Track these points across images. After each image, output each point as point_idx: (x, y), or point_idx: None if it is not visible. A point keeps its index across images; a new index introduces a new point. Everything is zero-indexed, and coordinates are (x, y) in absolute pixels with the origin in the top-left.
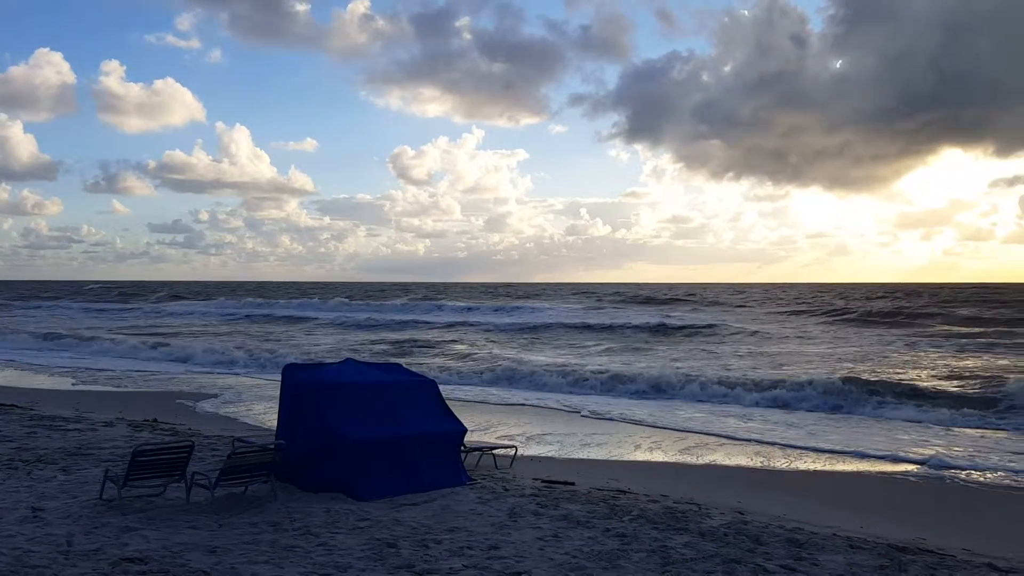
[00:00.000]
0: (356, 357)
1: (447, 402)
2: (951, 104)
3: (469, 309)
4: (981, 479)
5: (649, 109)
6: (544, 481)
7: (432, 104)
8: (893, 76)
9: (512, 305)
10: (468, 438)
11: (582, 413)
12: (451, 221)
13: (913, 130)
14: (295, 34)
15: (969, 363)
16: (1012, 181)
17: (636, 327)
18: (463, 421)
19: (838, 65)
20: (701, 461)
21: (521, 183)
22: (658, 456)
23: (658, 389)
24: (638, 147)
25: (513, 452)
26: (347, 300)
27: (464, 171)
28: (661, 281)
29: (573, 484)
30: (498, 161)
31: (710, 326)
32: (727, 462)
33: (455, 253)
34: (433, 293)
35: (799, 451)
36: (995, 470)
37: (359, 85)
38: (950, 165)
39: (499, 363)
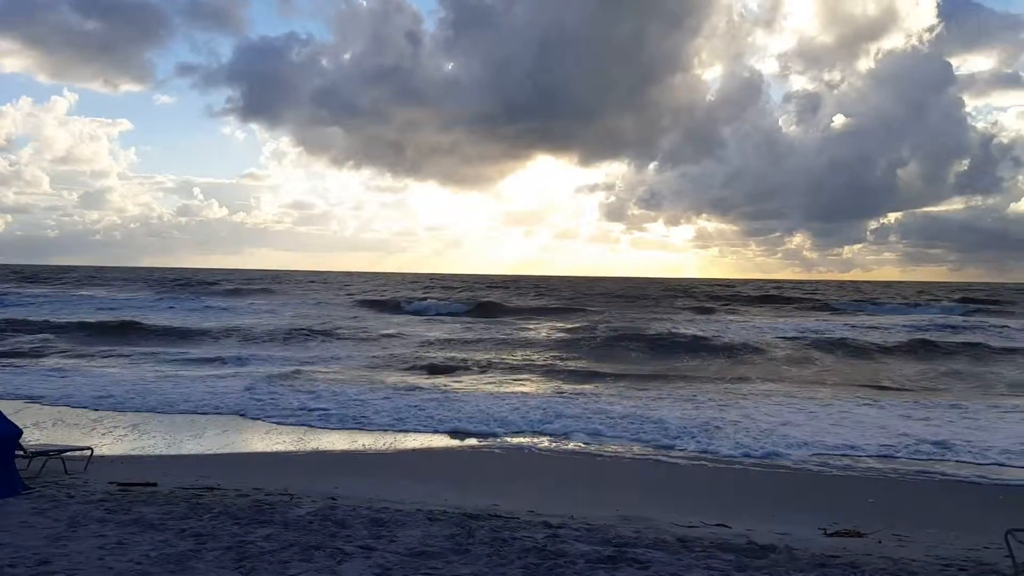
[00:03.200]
0: None
1: None
2: (544, 115)
3: None
4: (550, 447)
5: (266, 88)
6: (120, 484)
7: (10, 58)
8: (496, 84)
9: None
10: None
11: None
12: (38, 195)
13: (513, 136)
14: None
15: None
16: (592, 188)
17: None
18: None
19: (449, 67)
20: (306, 448)
21: (124, 156)
22: (258, 446)
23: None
24: (255, 127)
25: (88, 454)
26: None
27: (53, 138)
28: (284, 268)
29: (155, 485)
30: (95, 130)
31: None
32: (330, 448)
33: (44, 232)
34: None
35: (396, 433)
36: (564, 436)
37: None
38: (545, 170)
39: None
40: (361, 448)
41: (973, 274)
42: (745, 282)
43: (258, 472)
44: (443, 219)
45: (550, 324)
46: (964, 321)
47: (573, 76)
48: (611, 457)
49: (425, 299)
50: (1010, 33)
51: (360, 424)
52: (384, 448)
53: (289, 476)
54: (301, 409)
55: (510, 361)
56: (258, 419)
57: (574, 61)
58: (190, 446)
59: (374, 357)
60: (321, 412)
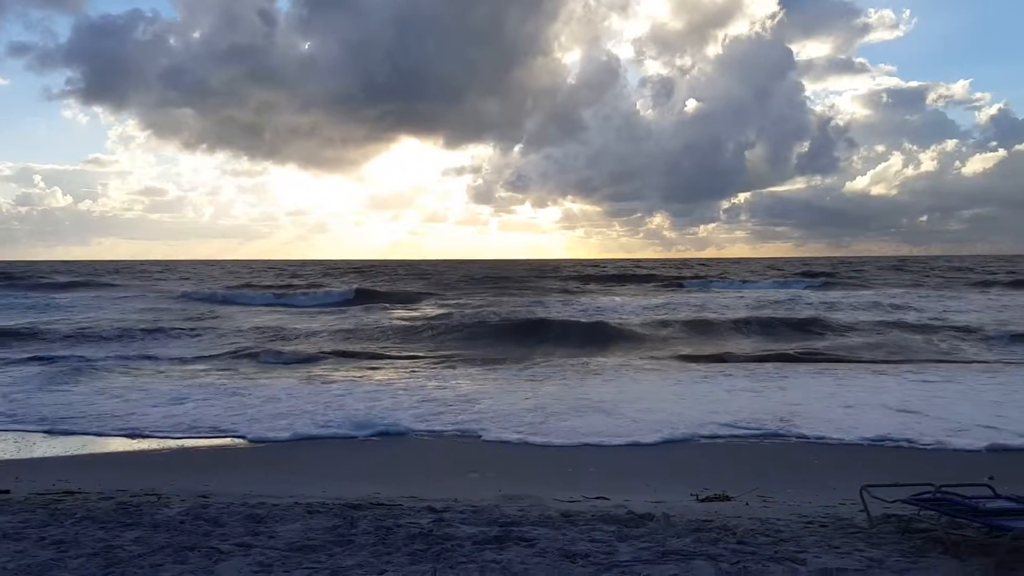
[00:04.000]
0: None
1: None
2: (406, 97)
3: None
4: (425, 432)
5: (109, 69)
6: None
7: None
8: (355, 64)
9: None
10: None
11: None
12: None
13: (375, 118)
14: None
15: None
16: (459, 171)
17: None
18: None
19: (306, 47)
20: (168, 447)
21: None
22: (119, 446)
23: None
24: (98, 110)
25: None
26: None
27: None
28: (136, 258)
29: (8, 492)
30: None
31: None
32: (196, 444)
33: None
34: None
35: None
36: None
37: None
38: (410, 153)
39: None
40: (229, 444)
41: (815, 249)
42: (609, 261)
43: (121, 473)
44: (305, 203)
45: (417, 309)
46: (809, 295)
47: (435, 57)
48: (491, 442)
49: (291, 288)
50: (844, 21)
51: (149, 428)
52: (257, 442)
53: (156, 475)
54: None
55: (372, 349)
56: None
57: (435, 42)
58: (42, 449)
59: (212, 350)
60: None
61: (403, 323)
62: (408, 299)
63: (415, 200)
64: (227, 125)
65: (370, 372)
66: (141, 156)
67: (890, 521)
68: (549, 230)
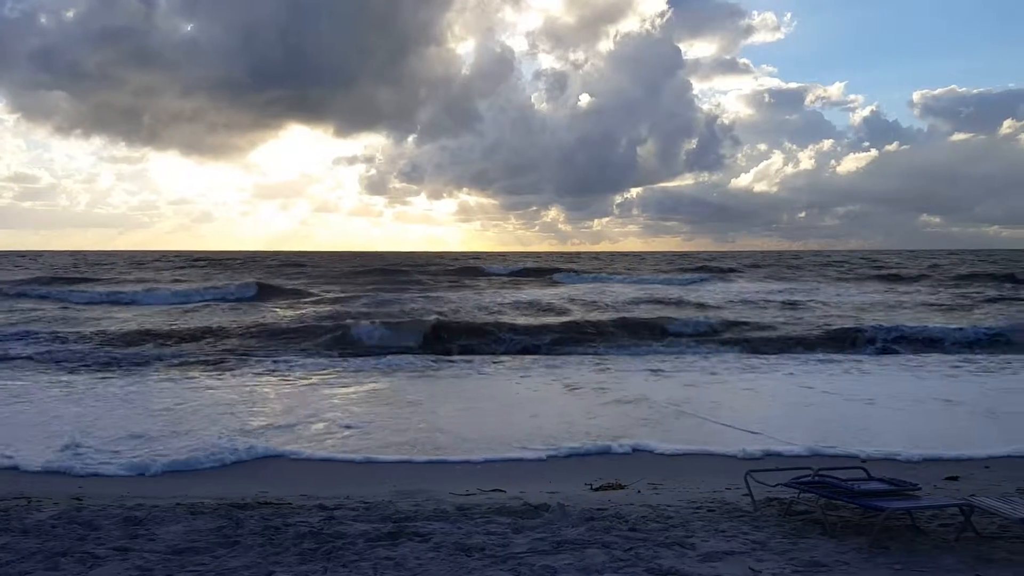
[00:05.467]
0: None
1: None
2: (295, 83)
3: None
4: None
5: None
6: None
7: None
8: (241, 48)
9: None
10: None
11: None
12: None
13: (263, 103)
14: None
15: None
16: (351, 160)
17: None
18: None
19: (189, 28)
20: None
21: None
22: None
23: None
24: None
25: None
26: None
27: None
28: (7, 248)
29: None
30: None
31: None
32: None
33: None
34: None
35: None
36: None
37: None
38: (299, 141)
39: None
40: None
41: (703, 243)
42: (507, 254)
43: None
44: (189, 192)
45: (297, 305)
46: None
47: (325, 43)
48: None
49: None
50: (729, 22)
51: None
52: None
53: (25, 481)
54: None
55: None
56: None
57: (326, 28)
58: None
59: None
60: None
61: (305, 321)
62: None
63: (306, 190)
64: (103, 109)
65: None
66: (11, 141)
67: (772, 504)
68: (445, 222)
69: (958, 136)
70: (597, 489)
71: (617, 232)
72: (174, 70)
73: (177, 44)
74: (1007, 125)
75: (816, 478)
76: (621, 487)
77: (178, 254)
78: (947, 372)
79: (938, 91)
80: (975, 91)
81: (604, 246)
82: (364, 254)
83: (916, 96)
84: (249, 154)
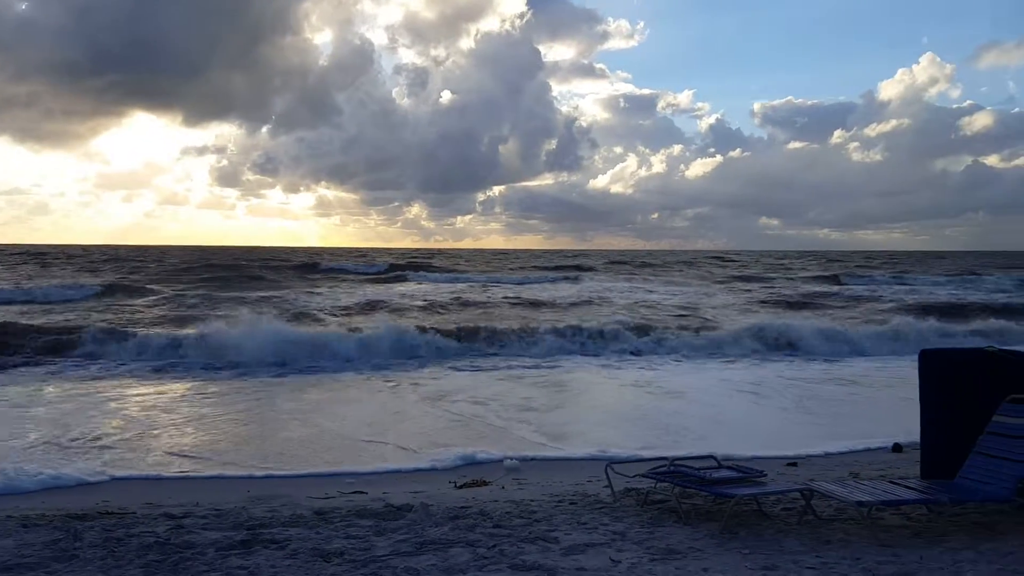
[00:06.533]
0: None
1: None
2: (139, 68)
3: None
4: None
5: None
6: None
7: None
8: (80, 30)
9: None
10: None
11: None
12: None
13: (103, 89)
14: None
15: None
16: (202, 150)
17: None
18: None
19: (23, 8)
20: None
21: None
22: None
23: None
24: None
25: None
26: None
27: None
28: None
29: None
30: None
31: None
32: None
33: None
34: None
35: None
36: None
37: None
38: (144, 129)
39: None
40: None
41: (563, 242)
42: (367, 250)
43: None
44: (23, 181)
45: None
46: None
47: (172, 27)
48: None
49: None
50: (586, 27)
51: None
52: None
53: None
54: None
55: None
56: None
57: (172, 11)
58: None
59: None
60: None
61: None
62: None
63: (152, 180)
64: None
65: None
66: None
67: (631, 495)
68: (302, 217)
69: (794, 144)
70: (461, 487)
71: (480, 230)
72: (6, 51)
73: (9, 24)
74: (837, 135)
75: (671, 468)
76: (485, 484)
77: (6, 248)
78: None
79: (776, 102)
80: (810, 103)
81: (467, 243)
82: (213, 249)
83: (757, 106)
84: (90, 142)
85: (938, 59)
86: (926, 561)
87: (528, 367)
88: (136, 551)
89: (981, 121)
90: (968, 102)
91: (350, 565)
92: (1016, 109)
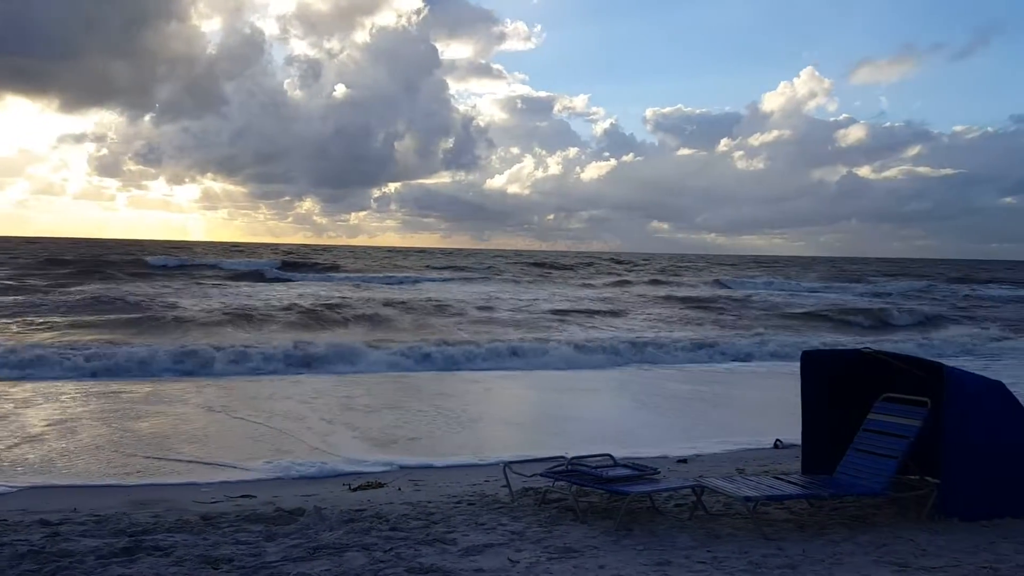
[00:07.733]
0: None
1: None
2: (8, 50)
3: None
4: None
5: None
6: None
7: None
8: None
9: None
10: None
11: None
12: None
13: None
14: None
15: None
16: (80, 138)
17: None
18: None
19: None
20: None
21: None
22: None
23: None
24: None
25: None
26: None
27: None
28: None
29: None
30: None
31: None
32: None
33: None
34: None
35: None
36: None
37: None
38: (16, 113)
39: None
40: None
41: (460, 241)
42: (254, 245)
43: None
44: None
45: None
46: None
47: (45, 8)
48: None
49: None
50: (484, 27)
51: None
52: None
53: None
54: None
55: None
56: None
57: None
58: None
59: None
60: None
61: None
62: None
63: (24, 168)
64: None
65: None
66: None
67: (529, 494)
68: (188, 209)
69: (684, 151)
70: (356, 489)
71: (375, 227)
72: None
73: None
74: (724, 143)
75: (568, 467)
76: (380, 485)
77: None
78: None
79: (667, 109)
80: (699, 111)
81: (362, 240)
82: (89, 241)
83: (649, 112)
84: None
85: (817, 74)
86: (808, 553)
87: None
88: (8, 561)
89: (855, 134)
90: (844, 115)
91: (239, 572)
92: (887, 123)
